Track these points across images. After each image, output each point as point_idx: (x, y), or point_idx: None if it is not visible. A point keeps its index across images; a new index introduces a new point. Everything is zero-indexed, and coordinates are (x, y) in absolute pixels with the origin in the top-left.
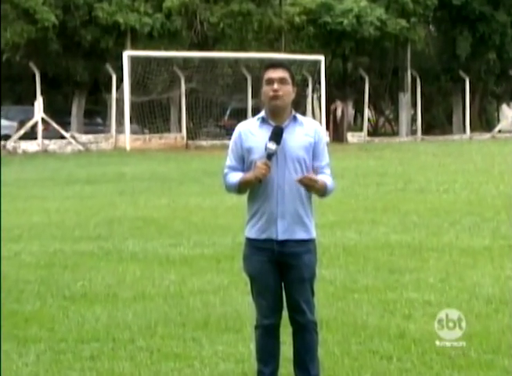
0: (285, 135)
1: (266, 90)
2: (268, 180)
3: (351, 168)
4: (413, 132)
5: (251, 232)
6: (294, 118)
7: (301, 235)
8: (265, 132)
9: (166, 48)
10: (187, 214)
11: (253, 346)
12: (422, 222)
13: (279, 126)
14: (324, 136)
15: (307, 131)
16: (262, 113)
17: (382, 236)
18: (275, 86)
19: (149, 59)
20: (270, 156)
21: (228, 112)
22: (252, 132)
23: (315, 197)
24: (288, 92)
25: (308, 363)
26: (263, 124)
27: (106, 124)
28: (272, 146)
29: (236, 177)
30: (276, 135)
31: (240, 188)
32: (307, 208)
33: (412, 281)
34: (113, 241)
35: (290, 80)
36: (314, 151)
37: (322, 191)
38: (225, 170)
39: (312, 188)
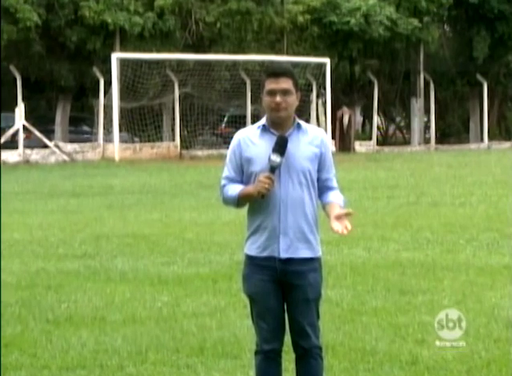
0: (288, 145)
1: (267, 101)
2: (270, 194)
3: (360, 179)
4: (426, 141)
5: (251, 249)
6: (298, 126)
7: (304, 253)
8: (267, 142)
9: (158, 50)
10: (181, 230)
11: (252, 373)
12: (436, 238)
13: (284, 136)
14: (330, 145)
15: (311, 140)
16: (263, 121)
17: (393, 254)
18: (278, 99)
19: (139, 62)
20: (273, 169)
21: (225, 119)
22: (252, 141)
23: (320, 212)
24: (291, 103)
25: None
26: (264, 133)
27: (93, 133)
28: (277, 158)
29: (234, 189)
30: (280, 147)
31: (239, 202)
32: (311, 224)
33: (425, 303)
34: (101, 260)
35: (293, 89)
36: (320, 162)
37: None
38: (223, 181)
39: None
